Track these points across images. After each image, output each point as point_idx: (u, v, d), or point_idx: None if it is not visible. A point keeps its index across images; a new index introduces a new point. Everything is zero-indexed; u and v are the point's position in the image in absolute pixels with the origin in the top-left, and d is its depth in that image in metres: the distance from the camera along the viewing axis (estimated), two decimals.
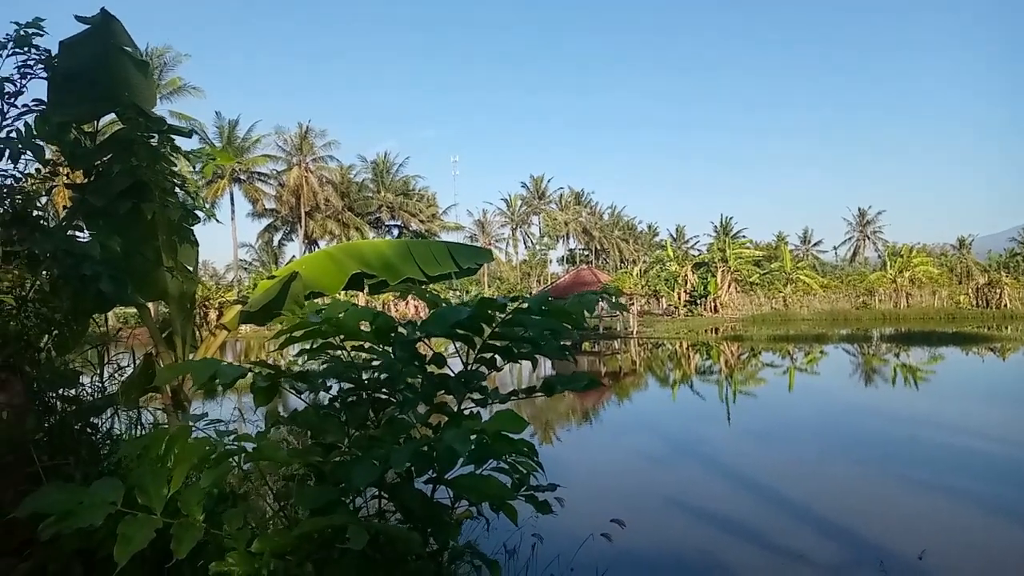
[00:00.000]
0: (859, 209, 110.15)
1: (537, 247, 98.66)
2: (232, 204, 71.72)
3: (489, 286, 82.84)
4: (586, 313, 2.24)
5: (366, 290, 6.59)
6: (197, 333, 5.13)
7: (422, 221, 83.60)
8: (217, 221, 5.26)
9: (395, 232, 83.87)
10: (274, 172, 75.46)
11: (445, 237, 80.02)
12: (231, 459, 1.89)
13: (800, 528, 7.47)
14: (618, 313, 42.54)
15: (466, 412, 2.43)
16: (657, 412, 17.30)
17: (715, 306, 60.96)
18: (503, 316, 2.17)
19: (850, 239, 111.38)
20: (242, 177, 71.73)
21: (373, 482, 1.92)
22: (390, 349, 2.37)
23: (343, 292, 6.48)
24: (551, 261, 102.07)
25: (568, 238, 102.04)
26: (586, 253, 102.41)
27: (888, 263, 66.66)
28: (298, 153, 75.56)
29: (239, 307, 5.16)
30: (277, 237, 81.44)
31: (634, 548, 6.67)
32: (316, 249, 77.38)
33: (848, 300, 61.10)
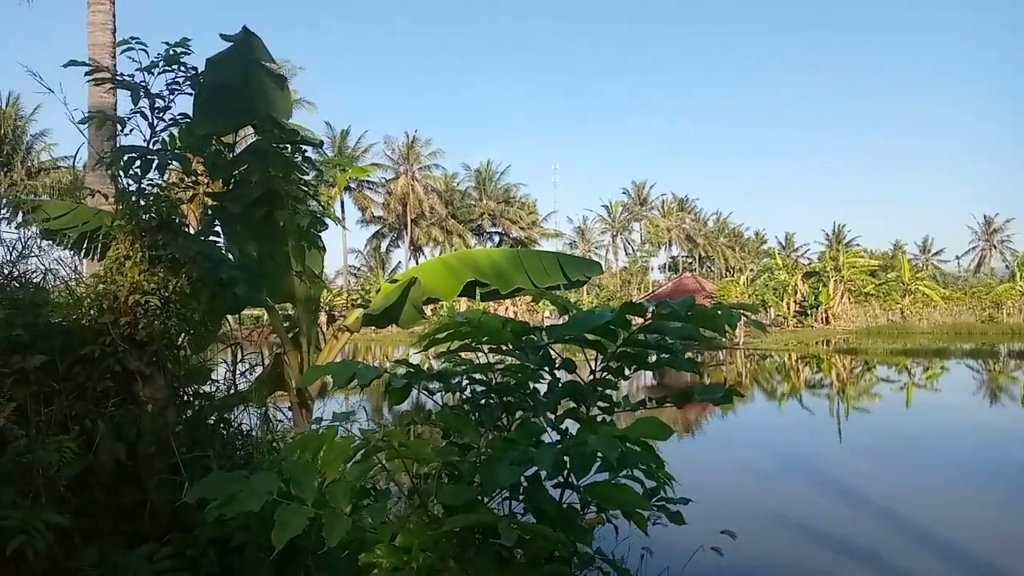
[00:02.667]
0: (985, 216, 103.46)
1: (638, 254, 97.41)
2: (343, 211, 74.37)
3: (588, 293, 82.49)
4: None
5: (478, 297, 6.71)
6: (321, 334, 5.36)
7: (522, 228, 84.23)
8: (344, 228, 5.51)
9: (496, 239, 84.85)
10: (382, 180, 77.87)
11: (544, 244, 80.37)
12: (376, 455, 1.97)
13: (918, 552, 7.09)
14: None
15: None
16: (764, 426, 16.77)
17: (827, 317, 58.49)
18: (644, 321, 2.16)
19: (975, 248, 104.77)
20: (352, 185, 74.27)
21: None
22: (523, 354, 2.40)
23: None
24: (652, 268, 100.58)
25: (670, 245, 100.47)
26: (689, 260, 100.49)
27: (1017, 274, 62.28)
28: (405, 162, 77.69)
29: (361, 310, 5.36)
30: (384, 244, 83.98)
31: (744, 563, 6.49)
32: (421, 255, 79.41)
33: (972, 313, 57.46)
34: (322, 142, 4.70)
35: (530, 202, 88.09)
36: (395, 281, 5.93)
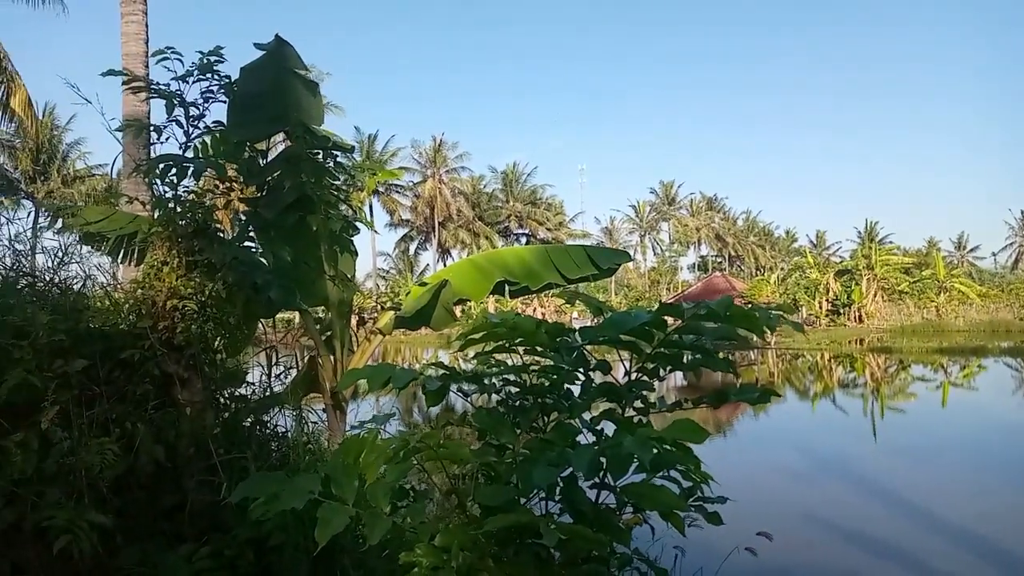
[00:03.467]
0: (1022, 212, 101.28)
1: (667, 254, 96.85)
2: (371, 215, 74.86)
3: (616, 294, 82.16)
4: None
5: (507, 295, 6.73)
6: (353, 337, 5.41)
7: (549, 229, 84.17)
8: (375, 231, 5.56)
9: (523, 240, 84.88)
10: (410, 184, 78.30)
11: (571, 244, 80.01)
12: (415, 456, 1.99)
13: (956, 555, 6.96)
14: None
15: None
16: (797, 426, 16.57)
17: (859, 316, 57.63)
18: (681, 321, 2.16)
19: (1011, 244, 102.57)
20: (380, 189, 74.74)
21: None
22: (558, 355, 2.41)
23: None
24: (681, 268, 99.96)
25: (699, 244, 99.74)
26: (719, 260, 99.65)
27: None
28: (432, 165, 78.05)
29: (393, 312, 5.40)
30: (413, 247, 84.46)
31: (780, 565, 6.43)
32: (449, 257, 79.70)
33: (1010, 310, 56.20)
34: (353, 147, 4.75)
35: (557, 203, 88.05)
36: (425, 283, 5.97)
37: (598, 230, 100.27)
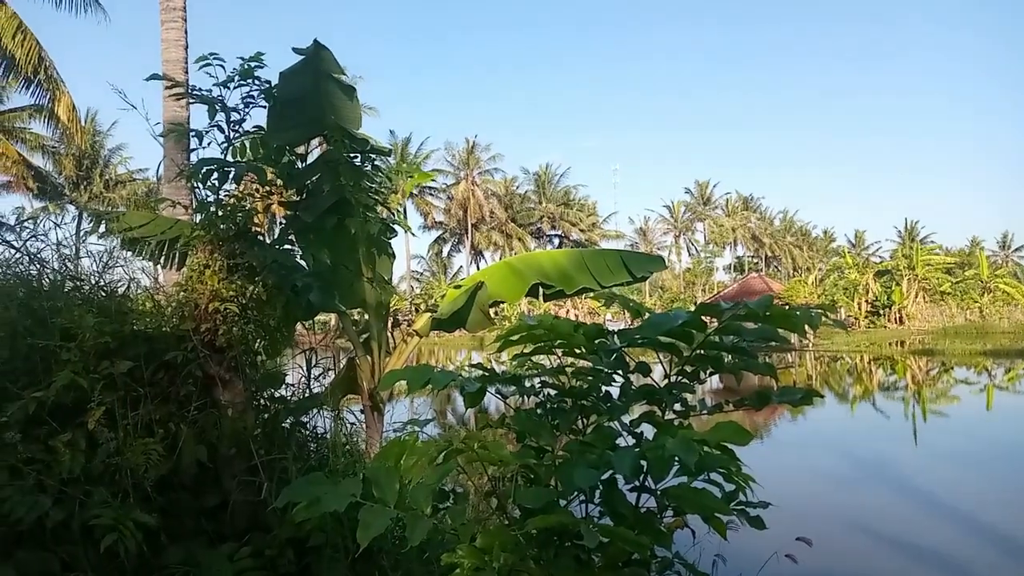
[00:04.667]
0: None
1: (702, 254, 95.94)
2: (406, 217, 75.23)
3: (650, 295, 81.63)
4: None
5: (541, 298, 6.73)
6: (390, 339, 5.45)
7: (582, 230, 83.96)
8: (412, 234, 5.60)
9: (556, 242, 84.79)
10: (443, 186, 78.68)
11: (605, 245, 79.85)
12: (455, 458, 2.00)
13: (1003, 564, 6.79)
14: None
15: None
16: (835, 429, 16.31)
17: (900, 317, 56.55)
18: (720, 322, 2.14)
19: None
20: (414, 191, 75.18)
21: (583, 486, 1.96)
22: (597, 357, 2.41)
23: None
24: (717, 269, 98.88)
25: (735, 245, 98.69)
26: (755, 260, 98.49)
27: None
28: (465, 167, 78.36)
29: (429, 314, 5.43)
30: (446, 249, 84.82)
31: (819, 572, 6.33)
32: (482, 259, 79.90)
33: None
34: (390, 151, 4.79)
35: (590, 204, 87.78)
36: (460, 286, 6.00)
37: (632, 230, 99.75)
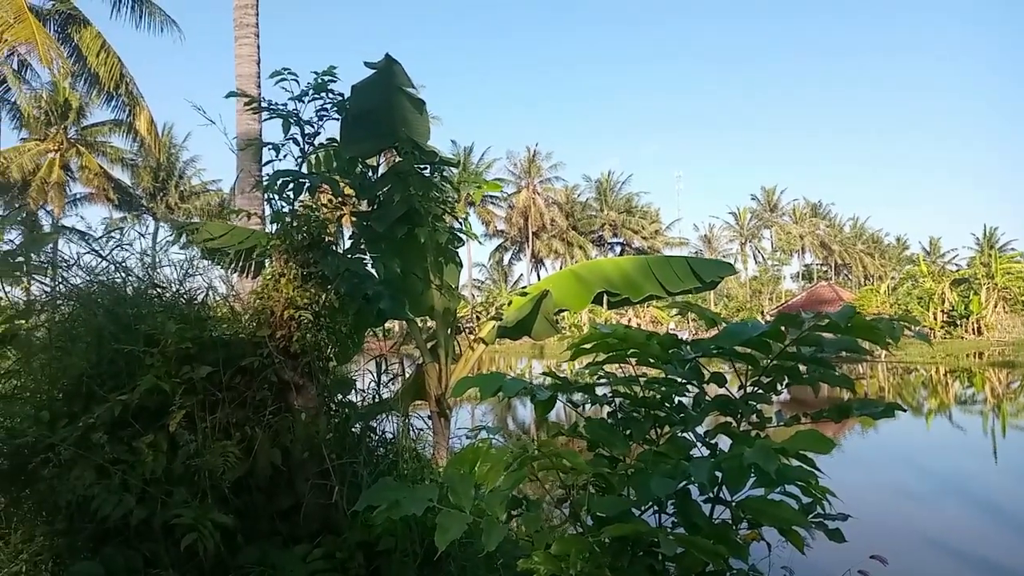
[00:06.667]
0: None
1: (769, 262, 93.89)
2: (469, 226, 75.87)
3: (716, 304, 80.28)
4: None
5: (605, 307, 6.70)
6: (457, 346, 5.51)
7: (644, 238, 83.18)
8: (480, 242, 5.65)
9: (617, 250, 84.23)
10: (504, 195, 79.09)
11: (668, 253, 78.99)
12: (529, 465, 2.02)
13: None
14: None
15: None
16: (910, 444, 15.74)
17: (978, 327, 54.26)
18: (801, 333, 2.10)
19: None
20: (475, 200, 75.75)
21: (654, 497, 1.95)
22: (671, 366, 2.39)
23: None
24: (784, 277, 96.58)
25: (803, 253, 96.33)
26: (824, 268, 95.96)
27: None
28: (526, 176, 78.65)
29: (494, 322, 5.47)
30: (507, 257, 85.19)
31: None
32: (542, 267, 79.82)
33: None
34: (458, 162, 4.87)
35: (653, 211, 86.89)
36: (526, 293, 6.02)
37: (696, 238, 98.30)
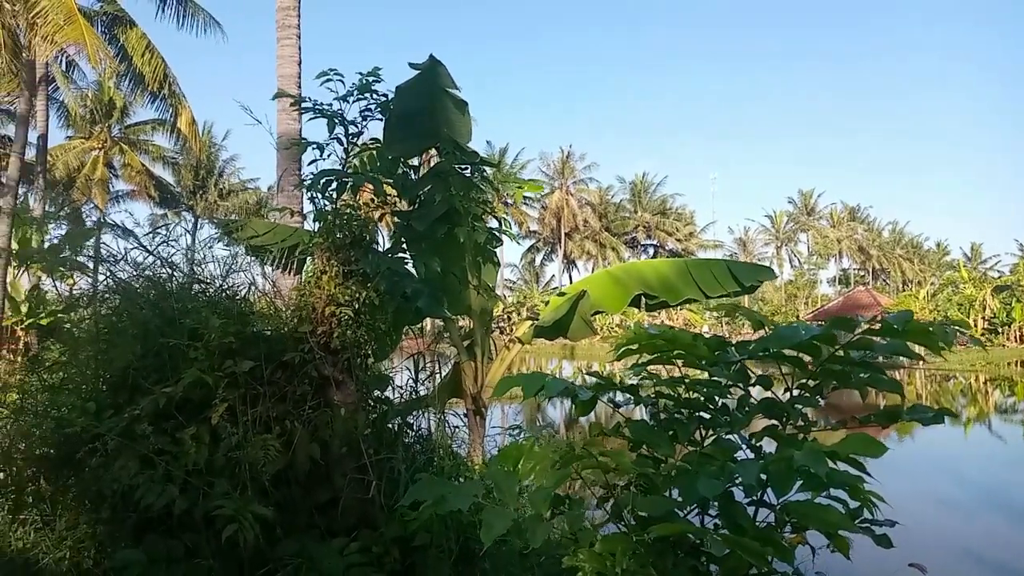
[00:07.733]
0: None
1: (805, 266, 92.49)
2: (510, 227, 75.93)
3: (750, 308, 79.26)
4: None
5: (643, 309, 6.68)
6: (493, 345, 5.53)
7: (678, 240, 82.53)
8: (517, 243, 5.67)
9: (651, 252, 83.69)
10: (537, 195, 79.01)
11: (703, 255, 78.34)
12: (573, 464, 2.03)
13: None
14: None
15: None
16: (948, 452, 15.40)
17: (1021, 335, 52.92)
18: (854, 336, 2.08)
19: None
20: (509, 201, 75.84)
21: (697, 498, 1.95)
22: (716, 368, 2.38)
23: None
24: (821, 282, 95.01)
25: (840, 257, 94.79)
26: (862, 273, 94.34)
27: None
28: (560, 176, 78.53)
29: (530, 322, 5.49)
30: (539, 257, 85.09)
31: None
32: (574, 268, 79.56)
33: None
34: (498, 164, 4.90)
35: (687, 213, 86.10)
36: (563, 294, 6.02)
37: (731, 240, 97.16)
